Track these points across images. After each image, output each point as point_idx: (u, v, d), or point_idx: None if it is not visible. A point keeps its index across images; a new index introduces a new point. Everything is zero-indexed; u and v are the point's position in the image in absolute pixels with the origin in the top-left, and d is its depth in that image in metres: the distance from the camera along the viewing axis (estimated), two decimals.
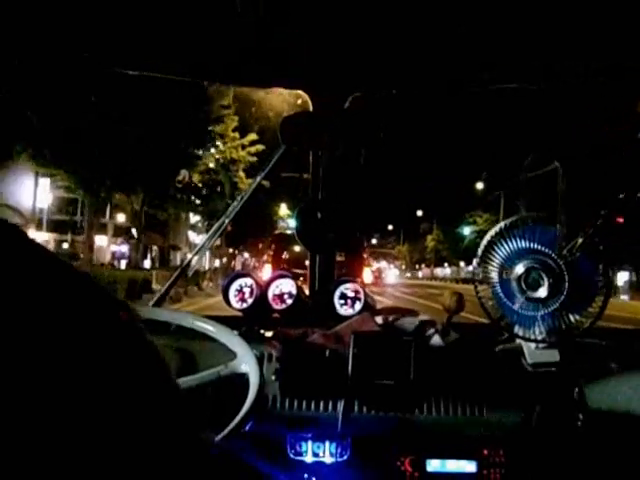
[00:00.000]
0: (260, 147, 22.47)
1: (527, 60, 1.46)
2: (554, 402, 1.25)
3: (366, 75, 1.56)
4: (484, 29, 1.35)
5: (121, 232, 30.65)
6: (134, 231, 24.31)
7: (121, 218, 29.37)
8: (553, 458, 1.23)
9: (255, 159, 22.72)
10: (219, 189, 23.99)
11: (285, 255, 9.75)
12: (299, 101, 1.67)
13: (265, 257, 10.89)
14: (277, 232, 12.08)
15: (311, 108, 1.55)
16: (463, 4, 1.31)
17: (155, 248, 33.46)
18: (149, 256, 30.66)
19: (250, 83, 1.73)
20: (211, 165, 22.75)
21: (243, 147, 23.22)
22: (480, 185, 34.55)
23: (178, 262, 31.47)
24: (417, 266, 62.08)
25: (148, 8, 1.33)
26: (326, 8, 1.37)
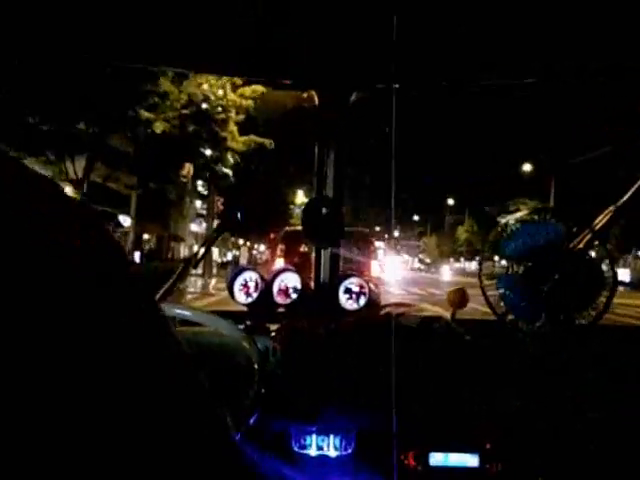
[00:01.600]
0: (259, 88, 15.32)
1: (528, 58, 1.45)
2: (557, 395, 1.25)
3: (371, 70, 1.55)
4: (486, 27, 1.34)
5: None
6: (121, 218, 21.02)
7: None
8: (555, 451, 1.23)
9: (251, 103, 15.79)
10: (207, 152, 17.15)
11: (296, 254, 9.29)
12: (305, 95, 1.66)
13: (276, 252, 10.29)
14: (288, 228, 11.32)
15: (317, 103, 1.55)
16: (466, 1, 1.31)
17: (151, 239, 29.57)
18: (146, 248, 27.44)
19: (256, 79, 1.73)
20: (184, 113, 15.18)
21: (235, 89, 16.13)
22: (527, 168, 30.76)
23: (176, 256, 28.22)
24: (448, 260, 54.17)
25: (155, 5, 1.33)
26: (330, 4, 1.37)
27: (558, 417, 1.25)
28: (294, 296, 1.38)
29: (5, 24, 1.33)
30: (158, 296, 1.43)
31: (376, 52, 1.50)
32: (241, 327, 1.33)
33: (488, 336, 1.36)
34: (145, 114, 14.03)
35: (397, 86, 1.61)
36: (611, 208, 1.28)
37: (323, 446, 1.26)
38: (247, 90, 15.90)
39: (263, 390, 1.05)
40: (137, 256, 22.06)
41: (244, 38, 1.46)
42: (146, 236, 28.19)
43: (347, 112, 1.54)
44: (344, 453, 1.26)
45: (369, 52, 1.51)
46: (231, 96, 15.85)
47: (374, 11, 1.39)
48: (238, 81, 15.60)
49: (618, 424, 1.24)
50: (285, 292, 1.39)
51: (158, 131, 14.44)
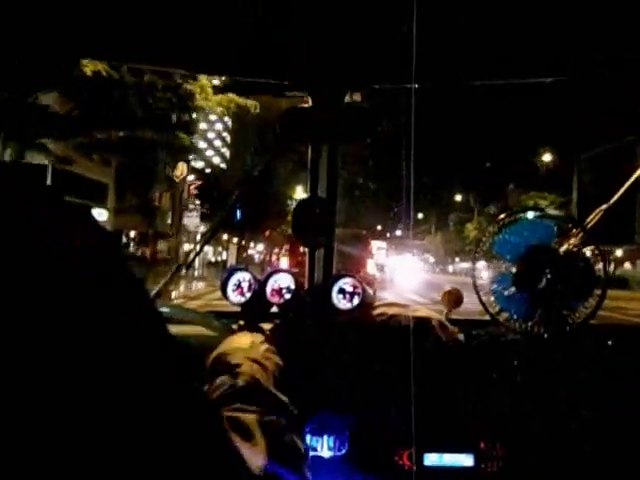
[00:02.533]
0: None
1: (526, 54, 1.45)
2: (551, 395, 1.25)
3: (365, 70, 1.55)
4: (485, 25, 1.34)
5: None
6: (96, 212, 16.36)
7: None
8: (550, 450, 1.23)
9: None
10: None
11: (299, 254, 9.43)
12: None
13: (273, 251, 10.80)
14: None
15: (310, 103, 1.55)
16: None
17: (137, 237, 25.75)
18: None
19: (249, 75, 1.73)
20: None
21: None
22: (545, 159, 26.70)
23: (162, 256, 23.73)
24: (453, 260, 49.40)
25: (152, 5, 1.34)
26: (325, 3, 1.37)
27: (552, 416, 1.24)
28: (288, 296, 1.38)
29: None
30: (152, 295, 1.43)
31: (371, 52, 1.50)
32: (234, 327, 1.33)
33: (482, 335, 1.36)
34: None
35: (393, 84, 1.61)
36: (603, 207, 1.28)
37: (317, 447, 1.25)
38: None
39: None
40: None
41: (237, 38, 1.46)
42: (132, 234, 24.83)
43: (340, 112, 1.54)
44: (337, 454, 1.25)
45: (363, 52, 1.51)
46: None
47: (369, 11, 1.39)
48: None
49: (613, 423, 1.24)
50: (279, 292, 1.39)
51: (88, 71, 9.80)
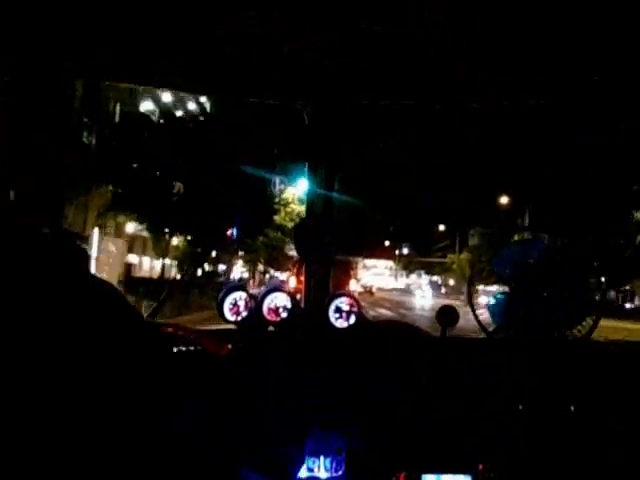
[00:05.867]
0: None
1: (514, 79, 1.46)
2: (550, 413, 1.23)
3: (361, 87, 1.56)
4: (478, 50, 1.35)
5: None
6: None
7: None
8: (548, 471, 1.21)
9: None
10: None
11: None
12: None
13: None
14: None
15: (306, 121, 1.56)
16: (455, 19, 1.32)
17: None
18: None
19: (246, 95, 1.75)
20: None
21: None
22: None
23: None
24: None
25: (144, 20, 1.36)
26: (323, 21, 1.39)
27: (551, 437, 1.23)
28: (284, 315, 1.38)
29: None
30: (147, 314, 1.44)
31: (369, 70, 1.52)
32: (229, 346, 1.33)
33: (479, 354, 1.35)
34: None
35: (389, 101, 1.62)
36: (601, 228, 1.27)
37: (314, 468, 1.24)
38: None
39: None
40: None
41: (235, 57, 1.48)
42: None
43: (337, 130, 1.55)
44: (334, 475, 1.24)
45: (362, 69, 1.52)
46: None
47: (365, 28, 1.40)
48: None
49: (612, 442, 1.22)
50: (275, 311, 1.39)
51: None
